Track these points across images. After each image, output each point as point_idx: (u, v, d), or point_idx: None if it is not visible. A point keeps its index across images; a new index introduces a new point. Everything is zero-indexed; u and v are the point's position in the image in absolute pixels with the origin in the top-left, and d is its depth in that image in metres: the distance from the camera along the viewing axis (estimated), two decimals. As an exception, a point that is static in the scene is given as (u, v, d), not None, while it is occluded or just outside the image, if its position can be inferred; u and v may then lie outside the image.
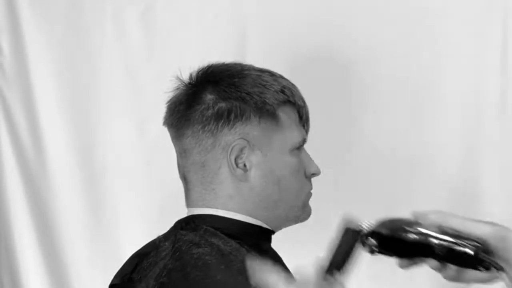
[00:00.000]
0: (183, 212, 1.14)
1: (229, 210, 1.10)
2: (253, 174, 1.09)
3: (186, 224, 1.11)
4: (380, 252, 0.84)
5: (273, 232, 1.15)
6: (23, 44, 1.73)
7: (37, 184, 1.77)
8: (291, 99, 1.12)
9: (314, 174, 1.17)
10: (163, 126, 1.17)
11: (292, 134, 1.12)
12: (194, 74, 1.13)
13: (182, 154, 1.12)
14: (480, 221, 0.85)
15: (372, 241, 0.83)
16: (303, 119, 1.15)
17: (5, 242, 1.79)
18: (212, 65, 1.14)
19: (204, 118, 1.08)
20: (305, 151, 1.17)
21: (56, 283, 1.79)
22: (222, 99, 1.08)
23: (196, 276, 0.99)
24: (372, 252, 0.84)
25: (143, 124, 1.73)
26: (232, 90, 1.08)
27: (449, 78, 1.62)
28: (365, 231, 0.83)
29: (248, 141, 1.08)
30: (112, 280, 1.15)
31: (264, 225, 1.13)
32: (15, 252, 1.78)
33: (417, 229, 0.83)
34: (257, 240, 1.11)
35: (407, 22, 1.62)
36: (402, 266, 0.86)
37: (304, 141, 1.16)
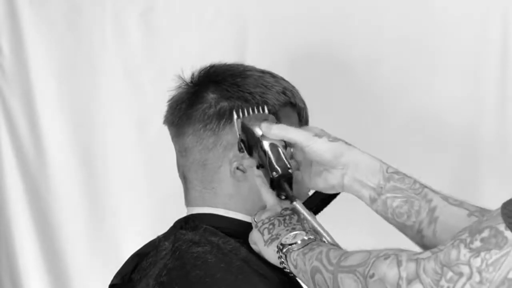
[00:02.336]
0: (182, 212, 1.14)
1: (229, 209, 1.10)
2: (253, 174, 1.09)
3: (185, 223, 1.11)
4: None
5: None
6: (23, 44, 1.73)
7: (37, 184, 1.77)
8: (292, 100, 1.12)
9: None
10: (163, 126, 1.17)
11: (292, 135, 1.12)
12: (196, 74, 1.14)
13: (183, 153, 1.12)
14: (324, 139, 0.96)
15: None
16: (303, 121, 1.15)
17: (5, 242, 1.79)
18: (214, 65, 1.15)
19: (205, 117, 1.08)
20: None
21: (56, 283, 1.79)
22: (224, 98, 1.08)
23: (196, 275, 1.00)
24: None
25: (143, 124, 1.73)
26: (234, 90, 1.09)
27: (449, 78, 1.62)
28: None
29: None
30: (112, 280, 1.15)
31: (264, 225, 1.12)
32: (15, 252, 1.78)
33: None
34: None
35: (407, 22, 1.62)
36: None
37: (304, 142, 1.16)
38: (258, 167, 1.00)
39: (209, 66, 1.14)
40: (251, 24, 1.68)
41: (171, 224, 1.15)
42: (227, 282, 0.99)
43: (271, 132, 0.99)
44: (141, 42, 1.73)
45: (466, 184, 1.61)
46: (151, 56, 1.72)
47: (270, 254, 0.99)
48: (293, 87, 1.14)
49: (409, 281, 0.78)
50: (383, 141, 1.64)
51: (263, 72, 1.13)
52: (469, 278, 0.73)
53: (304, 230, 0.97)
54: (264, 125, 0.99)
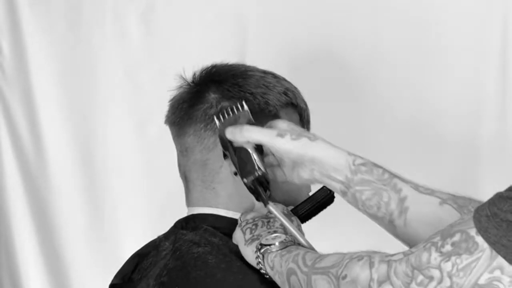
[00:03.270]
0: (183, 212, 1.14)
1: (229, 209, 1.10)
2: None
3: (186, 224, 1.11)
4: None
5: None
6: (23, 44, 1.73)
7: (37, 184, 1.77)
8: (293, 101, 1.12)
9: None
10: (164, 126, 1.17)
11: (292, 136, 1.12)
12: (197, 74, 1.13)
13: (184, 153, 1.12)
14: (287, 138, 0.95)
15: None
16: (304, 122, 1.15)
17: (5, 242, 1.79)
18: (215, 65, 1.14)
19: (206, 117, 1.08)
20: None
21: (56, 283, 1.79)
22: (225, 99, 1.08)
23: (197, 276, 1.00)
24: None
25: (143, 124, 1.73)
26: (235, 90, 1.09)
27: (449, 78, 1.62)
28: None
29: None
30: (112, 280, 1.15)
31: (264, 225, 1.13)
32: (15, 252, 1.78)
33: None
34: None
35: (407, 23, 1.62)
36: None
37: (304, 143, 1.15)
38: (235, 174, 0.99)
39: (211, 66, 1.14)
40: (252, 24, 1.68)
41: (171, 224, 1.15)
42: (227, 283, 0.99)
43: (235, 138, 0.97)
44: (141, 42, 1.73)
45: (466, 184, 1.61)
46: (151, 56, 1.72)
47: (249, 254, 0.99)
48: (295, 87, 1.14)
49: (380, 283, 0.77)
50: (383, 140, 1.64)
51: (265, 72, 1.13)
52: (440, 282, 0.73)
53: (285, 233, 0.98)
54: (229, 130, 0.97)
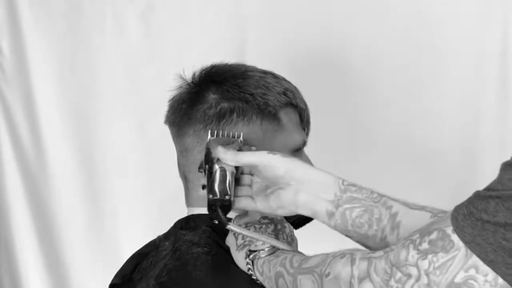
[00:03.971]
0: (183, 212, 1.14)
1: (229, 209, 1.10)
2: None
3: (186, 224, 1.11)
4: None
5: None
6: (23, 44, 1.73)
7: (37, 184, 1.77)
8: (293, 101, 1.12)
9: None
10: (163, 126, 1.16)
11: (292, 136, 1.12)
12: (197, 74, 1.13)
13: (183, 153, 1.12)
14: (278, 155, 0.94)
15: None
16: (304, 122, 1.15)
17: (5, 242, 1.79)
18: (215, 65, 1.14)
19: (206, 117, 1.08)
20: (305, 153, 1.17)
21: (56, 283, 1.79)
22: (225, 99, 1.08)
23: (196, 276, 1.00)
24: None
25: (143, 124, 1.73)
26: (235, 91, 1.08)
27: (449, 78, 1.62)
28: None
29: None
30: (112, 280, 1.15)
31: (264, 225, 1.12)
32: (15, 252, 1.78)
33: None
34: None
35: (407, 23, 1.62)
36: None
37: (304, 143, 1.15)
38: (203, 187, 0.99)
39: (210, 66, 1.14)
40: (251, 24, 1.68)
41: (171, 224, 1.15)
42: (227, 283, 0.99)
43: (225, 157, 0.96)
44: (141, 42, 1.73)
45: (466, 184, 1.61)
46: (151, 56, 1.72)
47: (240, 259, 0.98)
48: (295, 88, 1.14)
49: (360, 280, 0.78)
50: (383, 141, 1.64)
51: (264, 72, 1.13)
52: (417, 280, 0.73)
53: (277, 239, 0.97)
54: (220, 149, 0.96)
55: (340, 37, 1.65)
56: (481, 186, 1.62)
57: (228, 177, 0.96)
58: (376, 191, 0.93)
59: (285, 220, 1.04)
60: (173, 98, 1.14)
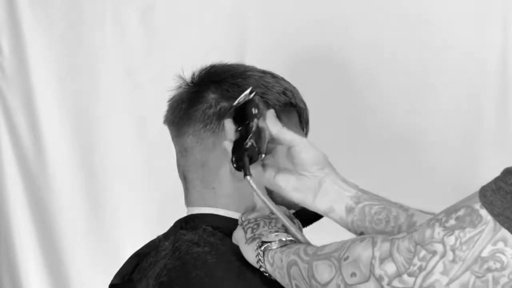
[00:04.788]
0: (183, 212, 1.14)
1: (229, 209, 1.10)
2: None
3: (185, 224, 1.11)
4: None
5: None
6: (23, 44, 1.73)
7: (37, 184, 1.77)
8: (292, 101, 1.12)
9: None
10: (163, 126, 1.17)
11: (292, 136, 1.12)
12: (196, 74, 1.13)
13: (183, 153, 1.12)
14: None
15: None
16: (303, 122, 1.15)
17: (5, 242, 1.79)
18: (214, 65, 1.14)
19: (206, 117, 1.08)
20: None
21: (56, 283, 1.79)
22: (224, 99, 1.09)
23: (196, 275, 1.00)
24: None
25: (143, 124, 1.73)
26: (235, 90, 1.09)
27: (449, 78, 1.62)
28: None
29: None
30: (112, 280, 1.15)
31: (264, 225, 1.13)
32: (15, 252, 1.78)
33: None
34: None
35: (407, 23, 1.62)
36: None
37: (303, 143, 1.16)
38: (238, 131, 0.98)
39: (210, 66, 1.14)
40: (251, 24, 1.68)
41: (171, 224, 1.15)
42: (227, 283, 0.99)
43: (273, 124, 0.98)
44: (141, 42, 1.73)
45: (465, 185, 1.61)
46: (151, 56, 1.72)
47: (249, 252, 0.98)
48: (294, 87, 1.14)
49: (382, 260, 0.77)
50: (383, 140, 1.64)
51: (264, 72, 1.13)
52: (443, 256, 0.72)
53: (286, 233, 0.98)
54: (271, 115, 0.98)
55: (340, 37, 1.65)
56: (481, 185, 1.61)
57: (266, 138, 0.97)
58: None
59: (293, 217, 1.04)
60: (172, 98, 1.14)
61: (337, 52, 1.65)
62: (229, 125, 0.99)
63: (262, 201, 0.96)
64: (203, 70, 1.14)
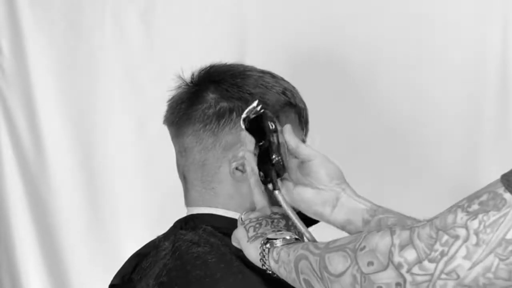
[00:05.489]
0: (183, 212, 1.14)
1: (228, 209, 1.10)
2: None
3: (185, 224, 1.11)
4: None
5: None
6: (23, 44, 1.73)
7: (37, 184, 1.77)
8: (292, 101, 1.12)
9: None
10: (163, 126, 1.17)
11: (291, 136, 1.12)
12: (196, 74, 1.14)
13: (182, 153, 1.12)
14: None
15: None
16: (302, 122, 1.15)
17: (5, 242, 1.79)
18: (214, 65, 1.15)
19: (205, 117, 1.08)
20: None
21: (56, 283, 1.79)
22: (224, 99, 1.09)
23: (196, 275, 1.00)
24: None
25: (143, 124, 1.73)
26: (234, 90, 1.09)
27: (449, 78, 1.62)
28: None
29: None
30: (112, 280, 1.15)
31: (264, 225, 1.12)
32: (15, 252, 1.78)
33: None
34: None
35: (407, 23, 1.62)
36: None
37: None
38: (259, 145, 0.99)
39: (209, 66, 1.14)
40: (251, 24, 1.68)
41: (171, 224, 1.15)
42: (227, 282, 0.99)
43: (291, 140, 1.00)
44: (141, 42, 1.73)
45: (466, 184, 1.61)
46: (151, 56, 1.72)
47: (252, 250, 0.98)
48: (294, 87, 1.14)
49: (402, 247, 0.76)
50: (382, 141, 1.64)
51: (263, 72, 1.13)
52: (466, 240, 0.72)
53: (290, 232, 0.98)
54: (289, 129, 1.00)
55: (340, 37, 1.65)
56: (482, 186, 1.61)
57: (286, 152, 1.00)
58: None
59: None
60: (172, 98, 1.14)
61: (337, 52, 1.65)
62: (248, 138, 1.01)
63: (287, 214, 0.97)
64: (202, 70, 1.14)
